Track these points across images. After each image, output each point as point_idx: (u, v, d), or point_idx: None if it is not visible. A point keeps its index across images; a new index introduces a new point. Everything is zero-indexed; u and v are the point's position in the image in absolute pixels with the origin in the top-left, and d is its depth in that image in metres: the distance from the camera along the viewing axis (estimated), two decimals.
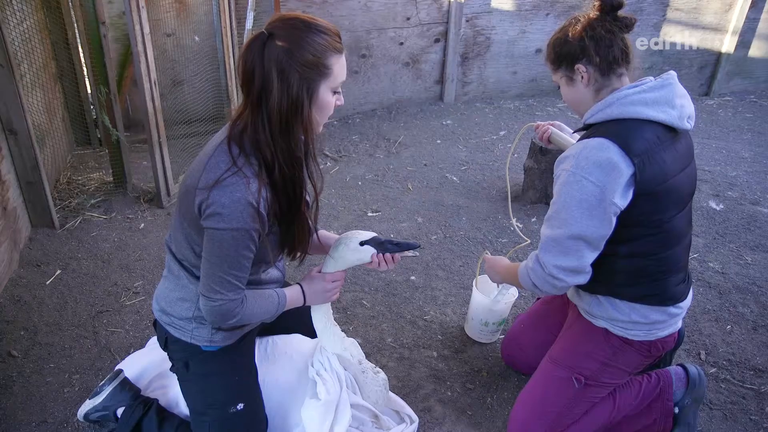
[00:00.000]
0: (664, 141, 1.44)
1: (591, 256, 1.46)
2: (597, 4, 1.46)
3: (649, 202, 1.44)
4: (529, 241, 2.27)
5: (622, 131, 1.41)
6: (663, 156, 1.43)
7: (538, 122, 1.94)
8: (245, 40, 3.65)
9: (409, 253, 2.73)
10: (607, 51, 1.45)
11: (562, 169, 1.46)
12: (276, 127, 1.25)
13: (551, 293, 1.55)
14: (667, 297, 1.56)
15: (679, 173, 1.48)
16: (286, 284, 1.73)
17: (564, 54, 1.51)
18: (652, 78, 1.49)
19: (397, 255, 1.55)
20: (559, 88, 1.60)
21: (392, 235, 2.96)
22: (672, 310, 1.58)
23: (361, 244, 1.52)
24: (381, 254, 1.53)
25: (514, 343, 2.05)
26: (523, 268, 1.58)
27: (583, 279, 1.49)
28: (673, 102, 1.45)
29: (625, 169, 1.38)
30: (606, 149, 1.39)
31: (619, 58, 1.46)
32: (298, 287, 1.57)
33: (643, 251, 1.50)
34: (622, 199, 1.41)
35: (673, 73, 1.49)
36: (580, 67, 1.49)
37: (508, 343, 2.08)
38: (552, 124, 1.91)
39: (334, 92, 1.32)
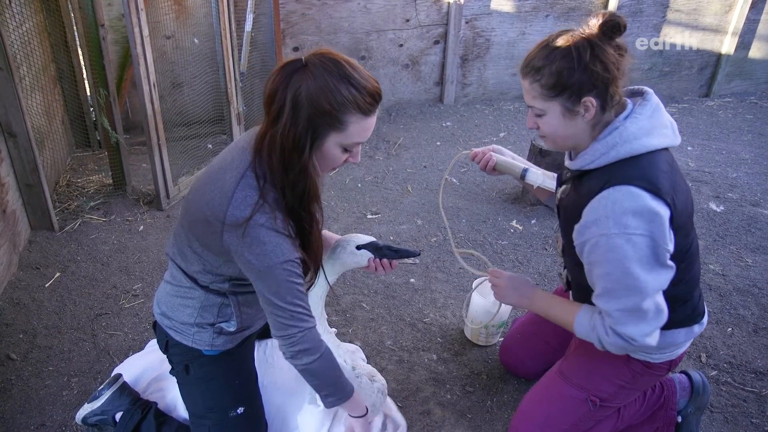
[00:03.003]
0: (672, 165, 1.36)
1: (665, 303, 1.35)
2: (608, 25, 1.24)
3: (681, 234, 1.35)
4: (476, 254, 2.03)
5: (640, 173, 1.27)
6: (680, 183, 1.34)
7: (474, 149, 1.72)
8: (244, 42, 3.66)
9: (409, 260, 2.72)
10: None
11: (595, 234, 1.29)
12: (277, 155, 1.22)
13: None
14: (696, 314, 1.51)
15: (687, 192, 1.40)
16: None
17: (573, 83, 1.26)
18: (629, 101, 1.36)
19: (395, 261, 1.54)
20: (539, 116, 1.35)
21: (392, 238, 2.96)
22: (696, 329, 1.53)
23: (359, 248, 1.52)
24: (378, 259, 1.52)
25: (510, 353, 2.04)
26: (591, 332, 1.40)
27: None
28: (665, 122, 1.36)
29: (663, 213, 1.26)
30: (638, 198, 1.25)
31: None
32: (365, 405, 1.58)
33: (675, 279, 1.41)
34: (671, 243, 1.30)
35: (650, 91, 1.37)
36: (590, 101, 1.27)
37: (504, 351, 2.07)
38: (492, 150, 1.71)
39: (346, 149, 1.26)
